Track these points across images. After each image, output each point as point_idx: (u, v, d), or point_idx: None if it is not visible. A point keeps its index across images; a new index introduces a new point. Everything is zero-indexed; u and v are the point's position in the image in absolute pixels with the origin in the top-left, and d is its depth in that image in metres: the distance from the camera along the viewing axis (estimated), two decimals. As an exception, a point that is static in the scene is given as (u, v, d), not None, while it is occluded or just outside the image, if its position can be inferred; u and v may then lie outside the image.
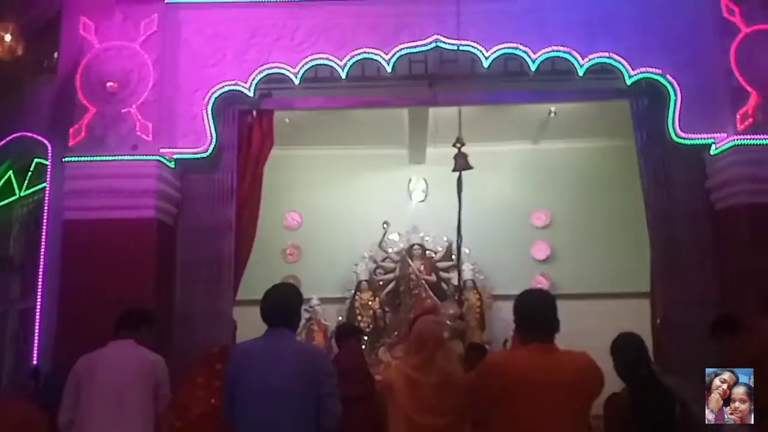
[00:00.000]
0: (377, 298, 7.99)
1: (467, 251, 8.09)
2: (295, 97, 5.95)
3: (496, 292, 8.04)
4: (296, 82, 5.69)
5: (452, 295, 7.90)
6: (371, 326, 7.86)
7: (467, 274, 8.02)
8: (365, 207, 8.41)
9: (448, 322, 7.46)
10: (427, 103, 6.09)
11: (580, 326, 7.57)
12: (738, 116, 5.50)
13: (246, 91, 5.68)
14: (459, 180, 5.86)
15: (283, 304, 3.17)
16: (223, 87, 5.66)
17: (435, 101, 5.95)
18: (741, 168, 5.40)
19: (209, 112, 5.63)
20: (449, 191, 8.35)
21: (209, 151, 5.60)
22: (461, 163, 5.78)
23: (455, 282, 7.92)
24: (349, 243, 8.27)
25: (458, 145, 5.71)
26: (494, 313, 8.01)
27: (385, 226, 8.17)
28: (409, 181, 8.64)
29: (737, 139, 5.45)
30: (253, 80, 5.67)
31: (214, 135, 5.61)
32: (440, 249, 8.30)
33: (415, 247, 8.13)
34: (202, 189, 5.64)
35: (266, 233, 7.06)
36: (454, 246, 8.10)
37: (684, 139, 5.62)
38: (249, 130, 5.90)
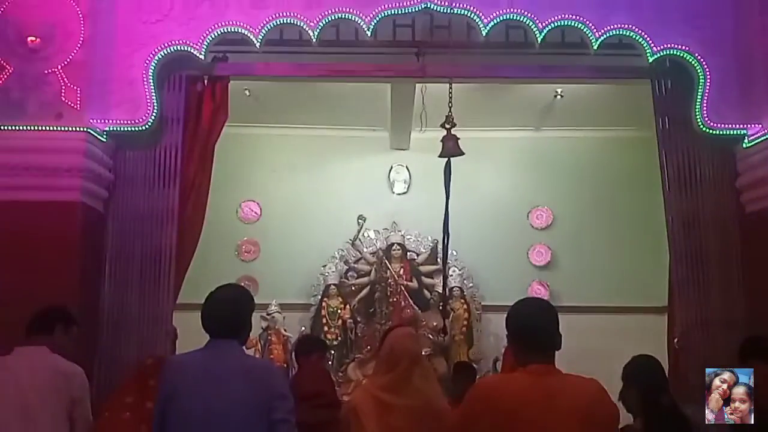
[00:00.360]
0: (348, 306, 7.91)
1: (455, 254, 8.07)
2: (256, 63, 5.79)
3: (487, 303, 7.99)
4: (257, 44, 5.52)
5: (436, 304, 7.82)
6: (339, 339, 7.78)
7: (454, 281, 7.98)
8: (337, 198, 8.34)
9: (430, 336, 7.55)
10: (414, 75, 5.95)
11: (583, 345, 7.56)
12: (776, 104, 5.43)
13: (196, 54, 5.50)
14: (447, 168, 5.71)
15: (230, 310, 3.04)
16: (168, 47, 5.48)
17: (423, 74, 5.82)
18: (778, 165, 5.34)
19: (150, 77, 5.46)
20: (436, 183, 8.26)
21: (149, 123, 5.44)
22: (450, 148, 5.62)
23: (440, 289, 7.83)
24: (317, 240, 8.20)
25: (447, 125, 5.53)
26: (484, 326, 7.97)
27: (360, 221, 8.07)
28: (390, 169, 8.57)
29: (774, 131, 5.38)
30: (205, 40, 5.49)
31: (155, 104, 5.46)
32: (424, 250, 8.23)
33: (395, 247, 8.05)
34: (140, 169, 5.49)
35: (217, 225, 6.96)
36: (440, 247, 8.09)
37: (713, 129, 5.54)
38: (198, 100, 5.70)
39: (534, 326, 2.65)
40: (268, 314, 7.69)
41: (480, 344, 7.82)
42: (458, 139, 5.57)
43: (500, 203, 8.39)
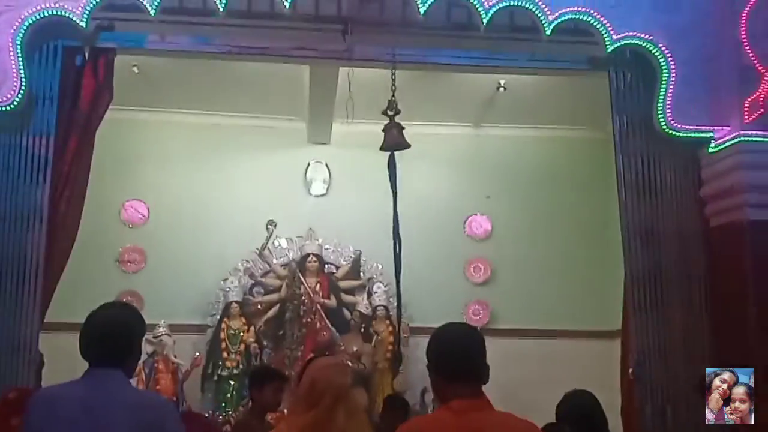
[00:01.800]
0: (252, 328, 7.84)
1: (380, 267, 8.13)
2: (149, 35, 5.66)
3: (416, 324, 8.01)
4: (151, 12, 5.34)
5: (357, 326, 7.84)
6: (241, 367, 7.69)
7: (378, 298, 8.04)
8: (242, 200, 8.27)
9: (349, 364, 7.46)
10: (338, 57, 5.90)
11: (525, 373, 7.88)
12: (746, 105, 5.54)
13: (75, 20, 5.29)
14: (391, 162, 5.55)
15: (114, 333, 2.92)
16: (40, 11, 5.27)
17: (349, 56, 5.78)
18: (746, 173, 5.46)
19: (17, 47, 5.26)
20: (361, 184, 8.53)
21: (14, 103, 5.26)
22: (395, 138, 5.43)
23: (362, 309, 7.89)
24: (216, 249, 8.12)
25: (390, 111, 5.37)
26: (411, 351, 7.95)
27: (269, 227, 7.99)
28: (307, 167, 8.54)
29: (743, 135, 5.51)
30: (86, 4, 5.28)
31: (23, 80, 5.28)
32: (344, 262, 8.24)
33: (311, 258, 8.01)
34: (2, 158, 5.30)
35: (94, 229, 6.80)
36: (363, 259, 8.19)
37: (676, 130, 5.64)
38: (77, 76, 5.53)
39: (456, 354, 2.68)
40: (154, 337, 7.51)
41: (407, 372, 7.79)
42: (403, 128, 5.43)
43: (434, 209, 8.43)
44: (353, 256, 8.20)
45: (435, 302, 7.93)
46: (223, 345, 7.75)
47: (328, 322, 7.81)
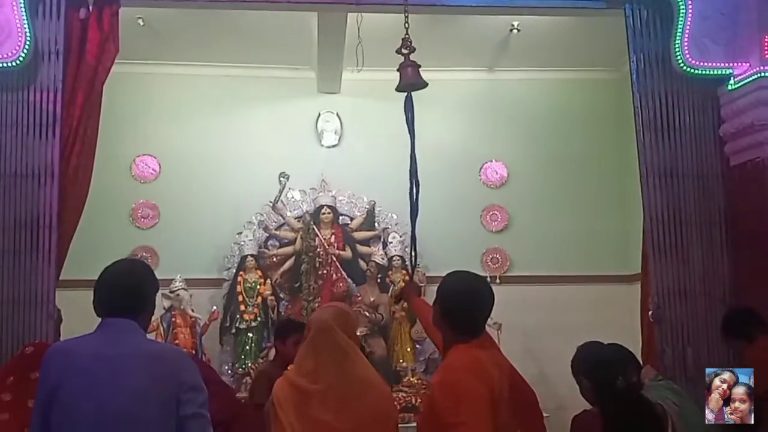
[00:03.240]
0: (268, 281, 7.84)
1: (394, 217, 8.11)
2: None
3: (432, 273, 7.96)
4: (154, -39, 5.29)
5: (373, 276, 7.86)
6: (259, 319, 7.72)
7: (394, 249, 8.01)
8: (253, 152, 8.24)
9: (366, 314, 7.58)
10: (348, 2, 5.90)
11: (543, 320, 7.91)
12: (765, 40, 5.52)
13: (77, -29, 5.25)
14: (408, 103, 5.46)
15: (128, 286, 2.97)
16: None
17: (358, 1, 5.73)
18: (766, 110, 5.44)
19: (21, 1, 5.27)
20: (372, 133, 8.45)
21: (21, 58, 5.28)
22: (410, 77, 5.19)
23: (378, 259, 7.89)
24: (230, 203, 8.11)
25: (405, 50, 5.28)
26: (429, 300, 7.94)
27: (281, 179, 7.96)
28: (317, 117, 8.48)
29: (762, 71, 5.46)
30: (88, -45, 5.24)
31: (27, 35, 5.29)
32: (358, 213, 8.22)
33: (324, 210, 7.99)
34: (10, 115, 5.31)
35: (106, 186, 6.82)
36: (378, 209, 8.18)
37: (694, 68, 5.61)
38: (82, 30, 5.50)
39: (472, 317, 2.90)
40: (171, 292, 7.54)
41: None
42: (419, 66, 5.29)
43: (448, 157, 8.36)
44: (367, 206, 8.17)
45: (451, 251, 7.91)
46: (240, 298, 7.77)
47: (344, 273, 7.83)
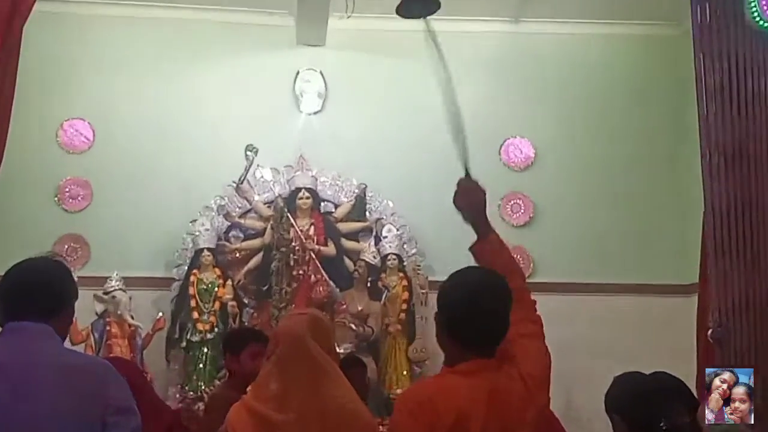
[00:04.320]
0: (229, 282, 7.85)
1: (390, 205, 8.13)
2: None
3: (437, 277, 7.86)
4: None
5: (363, 279, 7.85)
6: (217, 330, 7.69)
7: (390, 245, 7.99)
8: (214, 119, 8.25)
9: (352, 327, 7.61)
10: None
11: (576, 337, 7.84)
12: None
13: None
14: (430, 30, 5.24)
15: (42, 282, 3.01)
16: None
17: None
18: None
19: None
20: (365, 97, 8.43)
21: None
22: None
23: (368, 257, 7.90)
24: (182, 182, 8.12)
25: None
26: (431, 311, 7.91)
27: (249, 154, 7.93)
28: (296, 76, 8.47)
29: None
30: None
31: None
32: (345, 199, 8.22)
33: (303, 194, 7.98)
34: None
35: (26, 156, 6.89)
36: (370, 195, 8.17)
37: (773, 25, 5.59)
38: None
39: (477, 320, 2.87)
40: (105, 293, 7.50)
41: (426, 338, 7.80)
42: None
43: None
44: (356, 191, 8.16)
45: (461, 250, 7.74)
46: (193, 303, 7.75)
47: (325, 274, 7.79)
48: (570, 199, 8.49)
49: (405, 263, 8.05)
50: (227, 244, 8.01)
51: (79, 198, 8.18)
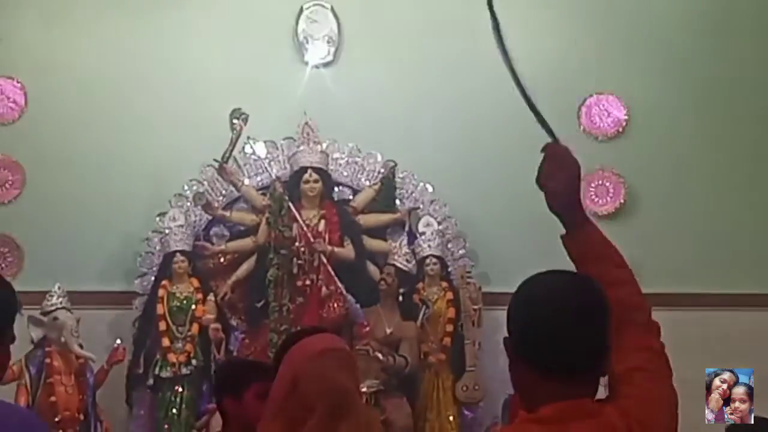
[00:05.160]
0: (210, 297, 7.90)
1: (429, 189, 8.16)
2: None
3: (495, 288, 8.02)
4: None
5: (392, 291, 7.81)
6: (194, 364, 7.74)
7: (428, 244, 8.02)
8: (189, 75, 8.33)
9: (379, 356, 7.57)
10: None
11: (681, 360, 7.77)
12: None
13: None
14: None
15: None
16: None
17: None
18: None
19: None
20: (393, 42, 8.44)
21: None
22: None
23: (401, 263, 7.89)
24: (147, 161, 8.21)
25: None
26: (488, 334, 7.97)
27: (235, 122, 7.93)
28: (299, 14, 8.51)
29: None
30: None
31: None
32: (367, 182, 8.25)
33: (309, 175, 7.99)
34: None
35: None
36: (401, 176, 8.18)
37: None
38: None
39: (567, 338, 2.68)
40: (44, 314, 7.51)
41: (480, 371, 7.87)
42: None
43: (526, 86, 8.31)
44: (382, 171, 8.16)
45: (526, 252, 7.88)
46: (163, 326, 7.78)
47: (341, 285, 7.79)
48: (677, 179, 8.51)
49: (450, 269, 8.08)
50: (208, 245, 8.04)
51: (7, 185, 8.26)
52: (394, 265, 7.86)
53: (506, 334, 2.72)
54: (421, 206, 8.14)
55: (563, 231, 3.03)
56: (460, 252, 8.21)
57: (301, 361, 3.25)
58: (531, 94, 3.28)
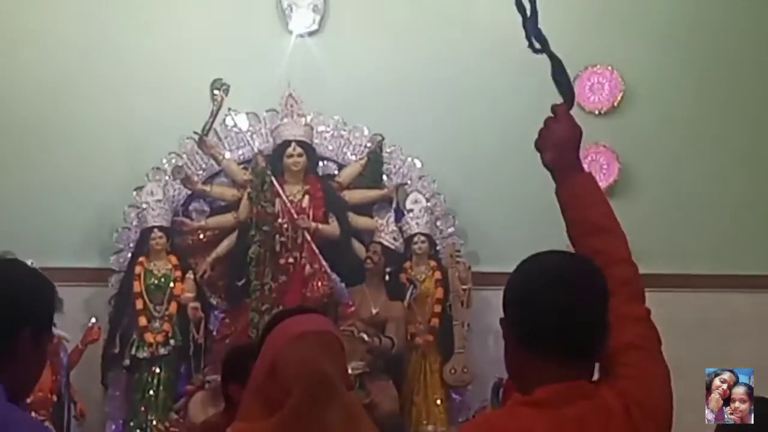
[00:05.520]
0: (189, 275, 7.89)
1: (417, 164, 8.14)
2: None
3: (485, 268, 8.06)
4: None
5: (378, 270, 7.81)
6: (172, 344, 7.73)
7: (417, 221, 7.99)
8: (166, 42, 8.31)
9: (365, 338, 7.56)
10: None
11: (684, 345, 7.63)
12: None
13: None
14: None
15: None
16: None
17: None
18: None
19: None
20: (382, 10, 8.38)
21: None
22: None
23: (388, 240, 7.89)
24: (122, 135, 8.18)
25: None
26: (477, 315, 7.98)
27: (216, 93, 7.89)
28: None
29: None
30: None
31: None
32: (353, 157, 8.24)
33: (293, 149, 7.96)
34: None
35: None
36: (389, 150, 8.16)
37: None
38: None
39: (565, 318, 2.70)
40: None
41: (469, 353, 7.84)
42: None
43: (516, 57, 8.19)
44: (369, 145, 8.13)
45: (517, 230, 7.93)
46: (139, 304, 7.78)
47: (325, 263, 7.78)
48: (675, 154, 8.51)
49: (438, 248, 8.07)
50: (187, 221, 8.02)
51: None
52: (380, 243, 7.85)
53: (500, 315, 2.69)
54: (409, 182, 8.11)
55: (554, 210, 2.96)
56: (449, 230, 8.21)
57: (281, 343, 3.26)
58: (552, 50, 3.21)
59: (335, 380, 3.19)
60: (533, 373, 2.71)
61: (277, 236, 7.81)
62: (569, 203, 2.96)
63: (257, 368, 3.26)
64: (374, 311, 7.69)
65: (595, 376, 2.79)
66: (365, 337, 7.52)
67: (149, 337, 7.67)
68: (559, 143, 3.01)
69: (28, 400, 7.08)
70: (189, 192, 8.05)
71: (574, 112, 7.89)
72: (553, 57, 3.20)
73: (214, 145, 7.98)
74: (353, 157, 8.20)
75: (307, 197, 7.92)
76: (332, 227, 7.93)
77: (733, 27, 8.50)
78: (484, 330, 7.90)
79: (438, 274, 7.96)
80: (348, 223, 8.04)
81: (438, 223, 8.13)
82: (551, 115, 3.05)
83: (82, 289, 8.02)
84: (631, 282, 2.85)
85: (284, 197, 7.82)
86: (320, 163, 8.15)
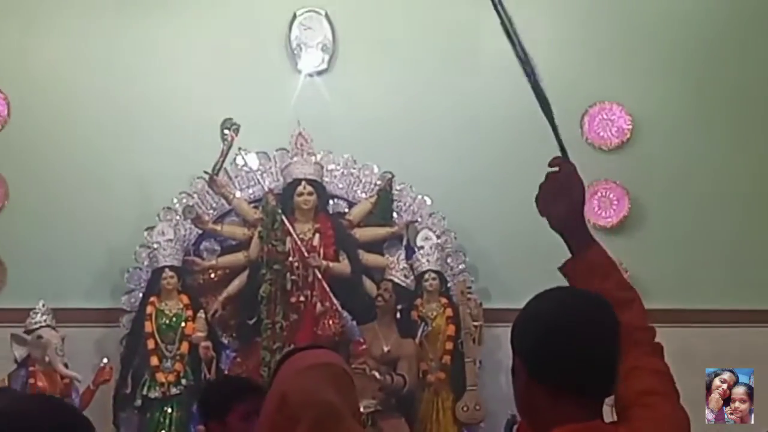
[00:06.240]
0: (201, 314, 7.85)
1: (428, 201, 8.15)
2: None
3: (496, 305, 8.06)
4: None
5: (389, 308, 7.80)
6: (184, 383, 7.72)
7: (428, 259, 7.99)
8: (178, 84, 8.29)
9: (376, 375, 7.56)
10: None
11: (693, 382, 7.69)
12: None
13: None
14: None
15: None
16: None
17: None
18: None
19: None
20: (391, 49, 8.41)
21: None
22: None
23: (399, 278, 7.88)
24: (133, 176, 8.17)
25: None
26: (489, 352, 8.01)
27: (226, 133, 7.92)
28: (292, 20, 8.50)
29: None
30: None
31: None
32: (364, 195, 8.24)
33: (303, 189, 7.97)
34: None
35: None
36: (398, 188, 8.15)
37: None
38: None
39: (585, 355, 2.70)
40: (28, 332, 7.50)
41: (481, 390, 7.85)
42: None
43: (526, 95, 8.26)
44: (378, 182, 8.14)
45: (528, 266, 7.88)
46: (151, 344, 7.75)
47: (336, 301, 7.77)
48: (683, 189, 8.49)
49: (449, 284, 8.06)
50: (198, 260, 8.02)
51: (-10, 197, 8.25)
52: (391, 280, 7.85)
53: (509, 352, 2.69)
54: (419, 219, 8.12)
55: (564, 246, 3.01)
56: (460, 266, 8.20)
57: (290, 375, 3.24)
58: (547, 100, 3.20)
59: (344, 411, 3.12)
60: (548, 412, 2.68)
61: (288, 275, 7.79)
62: (582, 278, 2.95)
63: (267, 401, 3.20)
64: (386, 349, 7.67)
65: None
66: (377, 375, 7.50)
67: (161, 376, 7.64)
68: (569, 205, 3.00)
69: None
70: (200, 231, 8.05)
71: (583, 147, 8.04)
72: (540, 100, 3.21)
73: (224, 185, 7.97)
74: (363, 195, 8.19)
75: (317, 235, 7.90)
76: (343, 265, 7.93)
77: (739, 59, 8.48)
78: (495, 367, 7.91)
79: (449, 311, 7.93)
80: (359, 261, 8.02)
81: (449, 260, 8.11)
82: (556, 162, 3.05)
83: (94, 330, 8.01)
84: (650, 342, 2.89)
85: (295, 236, 7.81)
86: (330, 201, 8.13)
